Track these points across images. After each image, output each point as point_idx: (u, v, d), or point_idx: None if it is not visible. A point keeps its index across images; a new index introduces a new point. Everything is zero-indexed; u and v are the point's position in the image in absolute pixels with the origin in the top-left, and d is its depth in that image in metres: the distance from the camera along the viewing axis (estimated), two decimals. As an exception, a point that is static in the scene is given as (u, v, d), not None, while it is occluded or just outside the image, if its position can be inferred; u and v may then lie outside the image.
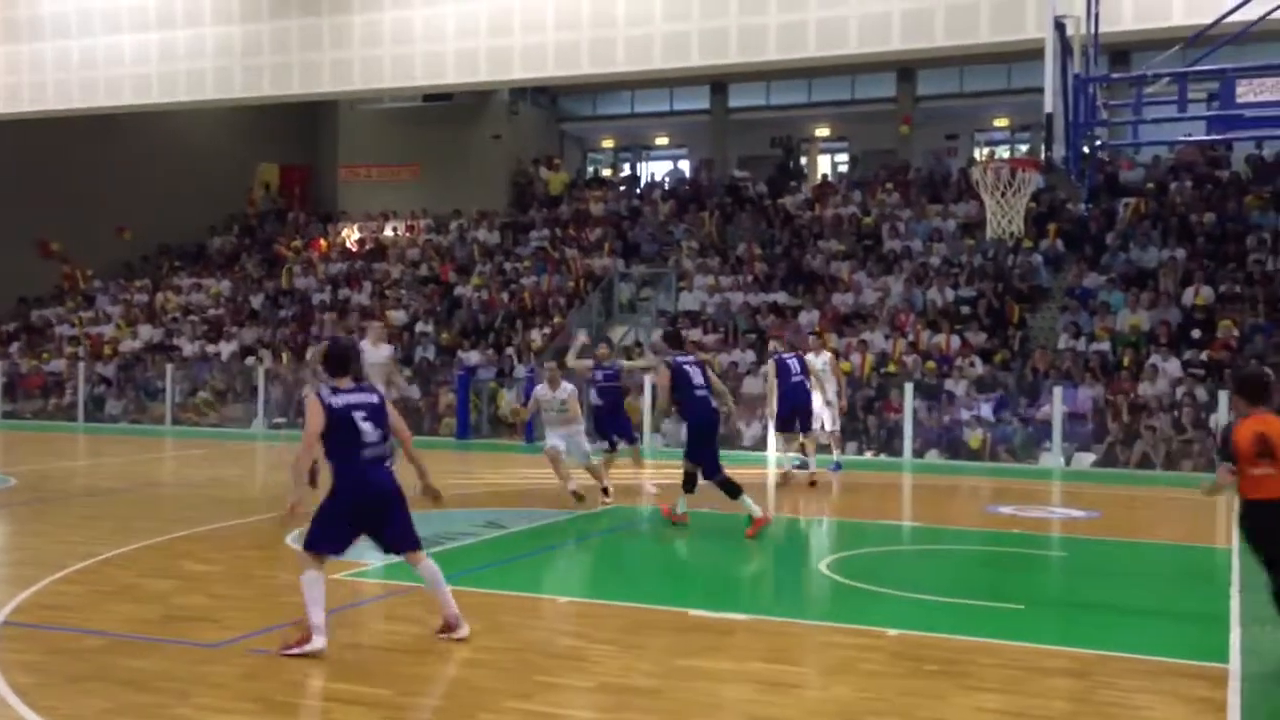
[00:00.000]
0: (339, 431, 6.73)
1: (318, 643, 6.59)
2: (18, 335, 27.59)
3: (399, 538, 6.96)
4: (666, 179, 31.18)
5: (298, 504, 7.04)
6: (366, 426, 6.78)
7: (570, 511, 12.27)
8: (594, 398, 13.71)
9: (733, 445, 19.63)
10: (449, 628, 7.00)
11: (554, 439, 12.68)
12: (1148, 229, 22.12)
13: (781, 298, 22.81)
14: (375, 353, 12.67)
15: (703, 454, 11.06)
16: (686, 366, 11.26)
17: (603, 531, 11.78)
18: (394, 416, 7.06)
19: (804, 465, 15.02)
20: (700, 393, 11.18)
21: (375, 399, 6.98)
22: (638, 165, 33.91)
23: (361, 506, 6.80)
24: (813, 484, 14.63)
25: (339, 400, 6.78)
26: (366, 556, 9.73)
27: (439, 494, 7.27)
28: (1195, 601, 8.63)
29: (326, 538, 6.82)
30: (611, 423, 13.61)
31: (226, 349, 25.23)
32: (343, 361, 6.95)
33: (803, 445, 15.12)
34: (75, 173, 28.26)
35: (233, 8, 20.74)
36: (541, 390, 12.80)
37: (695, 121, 31.86)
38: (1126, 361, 18.70)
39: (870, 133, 29.96)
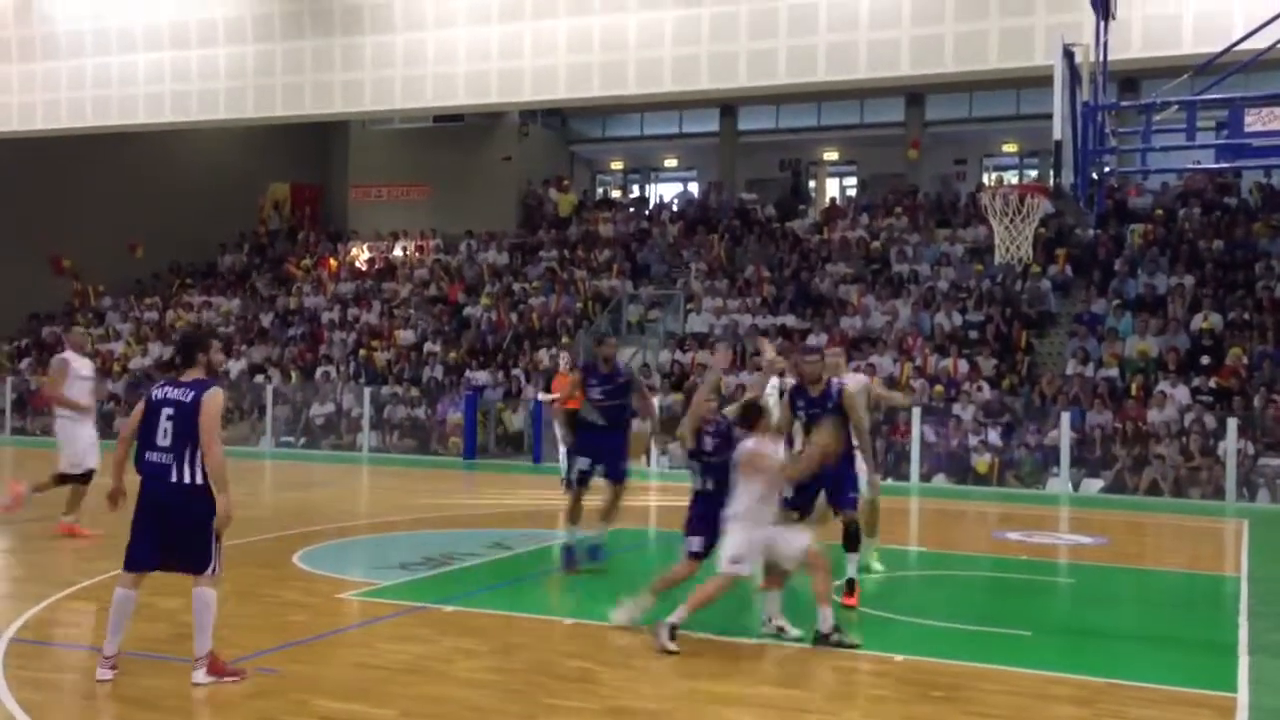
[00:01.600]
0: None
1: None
2: (29, 351, 27.70)
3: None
4: (675, 201, 31.27)
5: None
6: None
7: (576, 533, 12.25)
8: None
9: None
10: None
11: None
12: (1156, 255, 22.13)
13: (790, 320, 22.83)
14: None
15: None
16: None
17: (610, 553, 11.77)
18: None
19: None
20: None
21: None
22: (647, 187, 34.02)
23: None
24: None
25: None
26: (373, 576, 9.77)
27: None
28: (1203, 630, 8.61)
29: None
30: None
31: (235, 367, 25.31)
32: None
33: None
34: (87, 190, 28.44)
35: (246, 28, 20.92)
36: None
37: (704, 144, 31.98)
38: (1135, 388, 18.68)
39: (879, 157, 30.05)
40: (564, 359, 16.84)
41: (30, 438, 24.54)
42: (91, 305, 29.83)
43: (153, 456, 6.49)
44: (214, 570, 6.55)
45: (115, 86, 22.01)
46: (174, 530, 6.51)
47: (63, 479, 11.73)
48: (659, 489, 17.54)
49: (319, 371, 24.58)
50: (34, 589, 8.89)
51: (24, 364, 27.00)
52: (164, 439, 6.44)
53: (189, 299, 29.41)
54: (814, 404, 8.55)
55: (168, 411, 6.46)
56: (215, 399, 6.50)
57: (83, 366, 12.01)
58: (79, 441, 11.80)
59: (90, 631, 7.66)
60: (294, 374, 24.64)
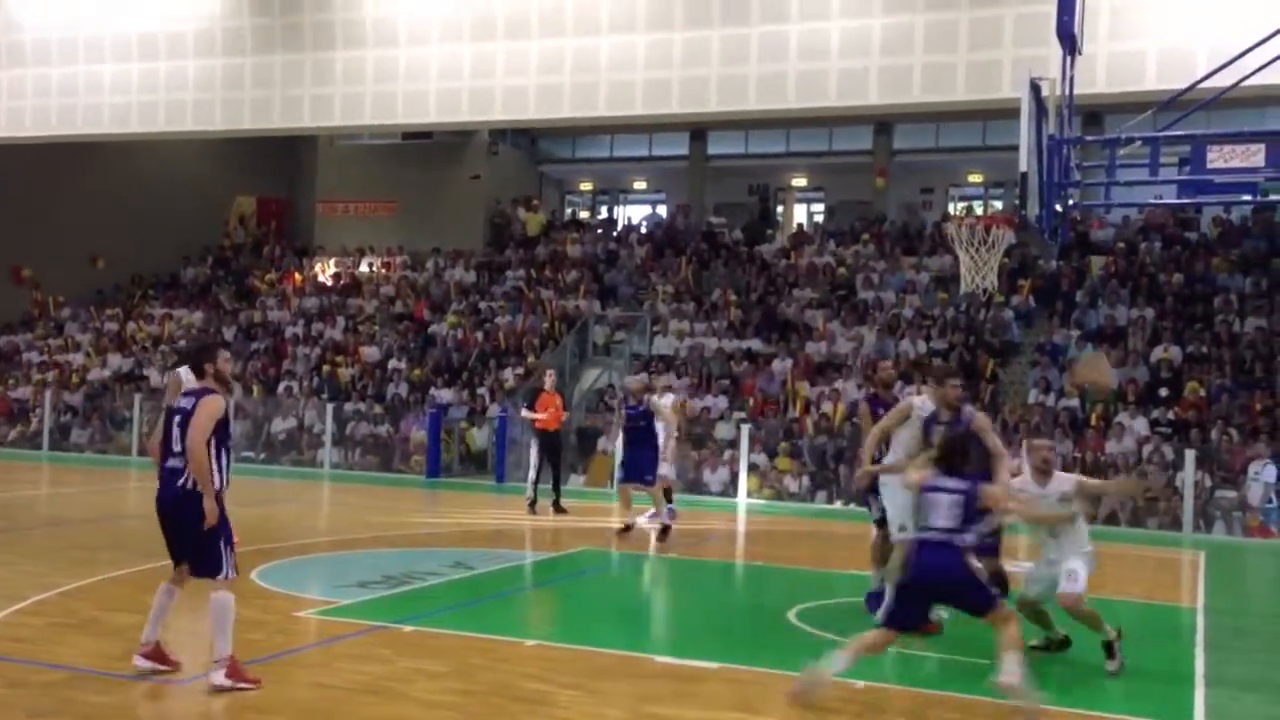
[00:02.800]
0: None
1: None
2: (-15, 361, 27.29)
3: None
4: (644, 223, 31.35)
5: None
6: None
7: (538, 554, 12.21)
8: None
9: (701, 490, 19.65)
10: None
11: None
12: (1117, 287, 22.42)
13: (756, 345, 22.91)
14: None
15: None
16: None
17: (571, 575, 11.72)
18: None
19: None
20: None
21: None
22: (615, 209, 34.09)
23: None
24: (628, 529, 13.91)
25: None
26: (332, 594, 9.67)
27: None
28: (1160, 660, 8.67)
29: None
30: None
31: (196, 380, 25.04)
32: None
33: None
34: (50, 199, 28.11)
35: (215, 41, 20.83)
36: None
37: (673, 167, 32.10)
38: (1095, 418, 18.88)
39: (846, 184, 30.28)
40: (549, 378, 16.83)
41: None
42: (51, 315, 29.45)
43: (169, 463, 6.81)
44: (227, 574, 6.78)
45: (82, 96, 21.84)
46: (185, 535, 6.79)
47: None
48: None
49: (281, 386, 24.38)
50: (-16, 603, 8.72)
51: (-20, 373, 26.57)
52: (176, 446, 6.77)
53: (150, 310, 29.11)
54: (949, 429, 8.55)
55: (178, 419, 6.80)
56: (210, 405, 6.75)
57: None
58: None
59: (39, 646, 7.52)
60: (256, 388, 24.42)
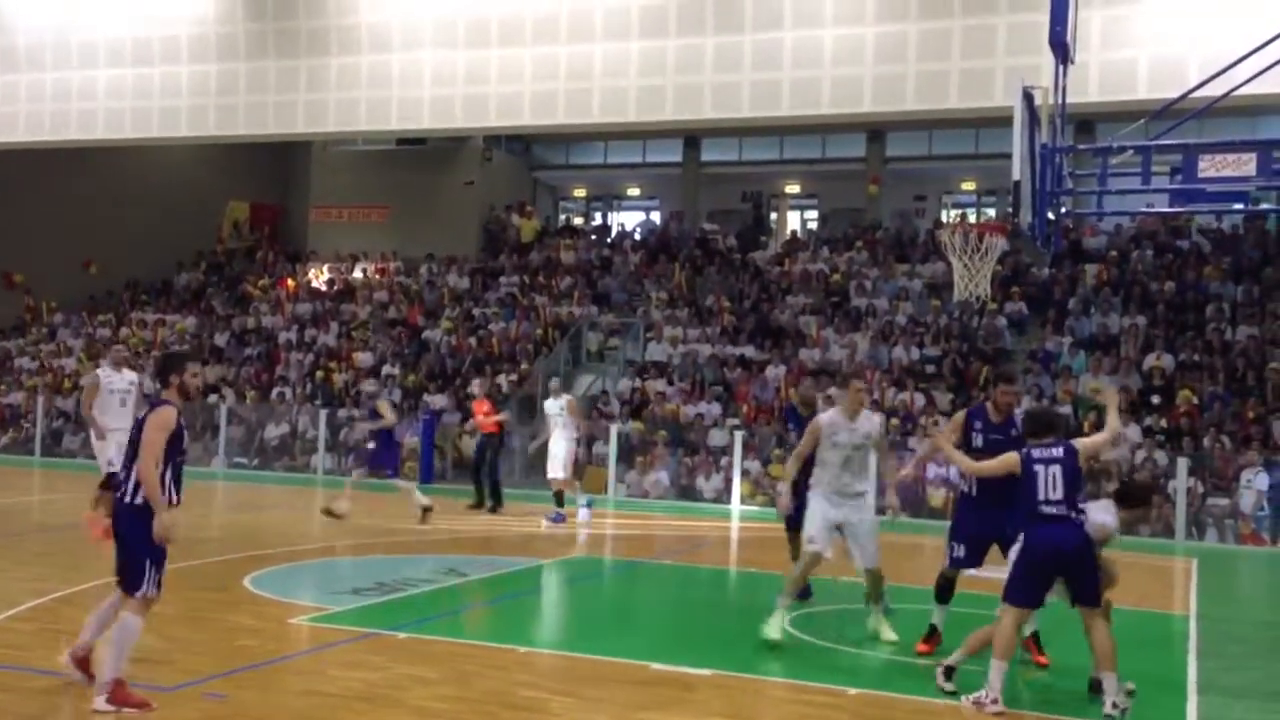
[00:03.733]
0: None
1: None
2: (-24, 366, 27.21)
3: None
4: (637, 229, 31.38)
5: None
6: None
7: (531, 560, 12.20)
8: None
9: (694, 497, 19.64)
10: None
11: None
12: (1109, 295, 22.48)
13: (749, 351, 22.93)
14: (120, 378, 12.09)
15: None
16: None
17: (564, 581, 11.72)
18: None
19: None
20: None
21: None
22: (609, 215, 34.12)
23: None
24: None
25: None
26: (325, 601, 9.65)
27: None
28: (1152, 668, 8.69)
29: None
30: None
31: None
32: None
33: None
34: (43, 204, 28.06)
35: (210, 47, 20.80)
36: None
37: (667, 174, 32.14)
38: (1087, 425, 18.90)
39: (839, 191, 30.34)
40: (477, 385, 17.98)
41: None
42: (44, 321, 29.38)
43: (120, 475, 6.71)
44: (144, 592, 6.50)
45: (75, 101, 21.79)
46: (119, 547, 6.58)
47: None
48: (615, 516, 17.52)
49: (274, 392, 24.34)
50: (-24, 609, 8.70)
51: (-28, 378, 26.48)
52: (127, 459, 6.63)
53: (143, 316, 29.05)
54: (995, 430, 8.46)
55: (135, 431, 6.63)
56: (158, 417, 6.50)
57: (114, 380, 11.97)
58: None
59: (33, 652, 7.50)
60: (249, 394, 24.38)
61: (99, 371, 12.26)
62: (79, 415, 24.67)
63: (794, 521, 9.62)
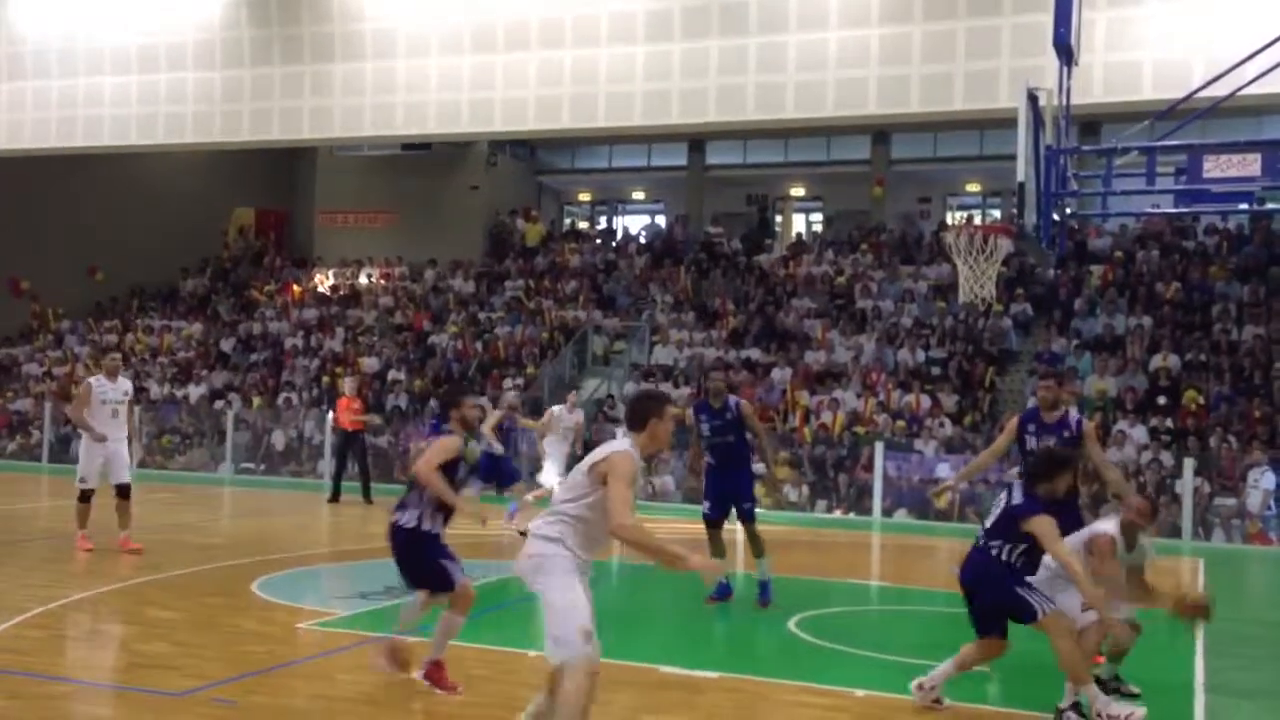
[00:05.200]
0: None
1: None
2: (-16, 373, 27.30)
3: None
4: (642, 233, 31.40)
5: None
6: None
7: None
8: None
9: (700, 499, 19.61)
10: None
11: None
12: (1115, 296, 22.45)
13: (755, 354, 22.94)
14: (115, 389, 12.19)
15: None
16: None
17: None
18: None
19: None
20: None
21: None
22: (614, 219, 34.15)
23: None
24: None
25: None
26: (333, 605, 9.67)
27: None
28: (1159, 669, 8.67)
29: None
30: None
31: (195, 392, 25.07)
32: None
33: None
34: (48, 212, 28.15)
35: (215, 53, 20.85)
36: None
37: (672, 177, 32.17)
38: (1093, 428, 18.88)
39: (844, 193, 30.34)
40: (349, 383, 18.92)
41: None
42: (50, 328, 29.46)
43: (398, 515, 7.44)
44: (460, 582, 7.30)
45: (81, 108, 21.85)
46: (409, 568, 7.48)
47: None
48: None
49: (281, 397, 24.38)
50: (-15, 615, 8.73)
51: (-21, 385, 26.56)
52: None
53: (149, 323, 29.12)
54: (1047, 430, 8.51)
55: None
56: (442, 441, 7.25)
57: (108, 390, 12.03)
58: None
59: (42, 659, 7.52)
60: (256, 400, 24.42)
61: (92, 380, 12.30)
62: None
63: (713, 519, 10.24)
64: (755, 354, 22.94)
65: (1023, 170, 8.69)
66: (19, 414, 25.40)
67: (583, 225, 33.57)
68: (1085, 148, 12.81)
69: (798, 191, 31.85)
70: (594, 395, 23.54)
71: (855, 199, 29.81)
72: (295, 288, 30.18)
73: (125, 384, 12.33)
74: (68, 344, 28.49)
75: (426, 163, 30.44)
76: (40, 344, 28.68)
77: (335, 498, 18.18)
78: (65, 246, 28.56)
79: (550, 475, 15.75)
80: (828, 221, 31.17)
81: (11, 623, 8.48)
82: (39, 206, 27.97)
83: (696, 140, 30.38)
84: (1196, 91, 10.33)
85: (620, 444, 5.43)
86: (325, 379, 24.73)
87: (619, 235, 31.61)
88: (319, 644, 8.39)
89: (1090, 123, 23.02)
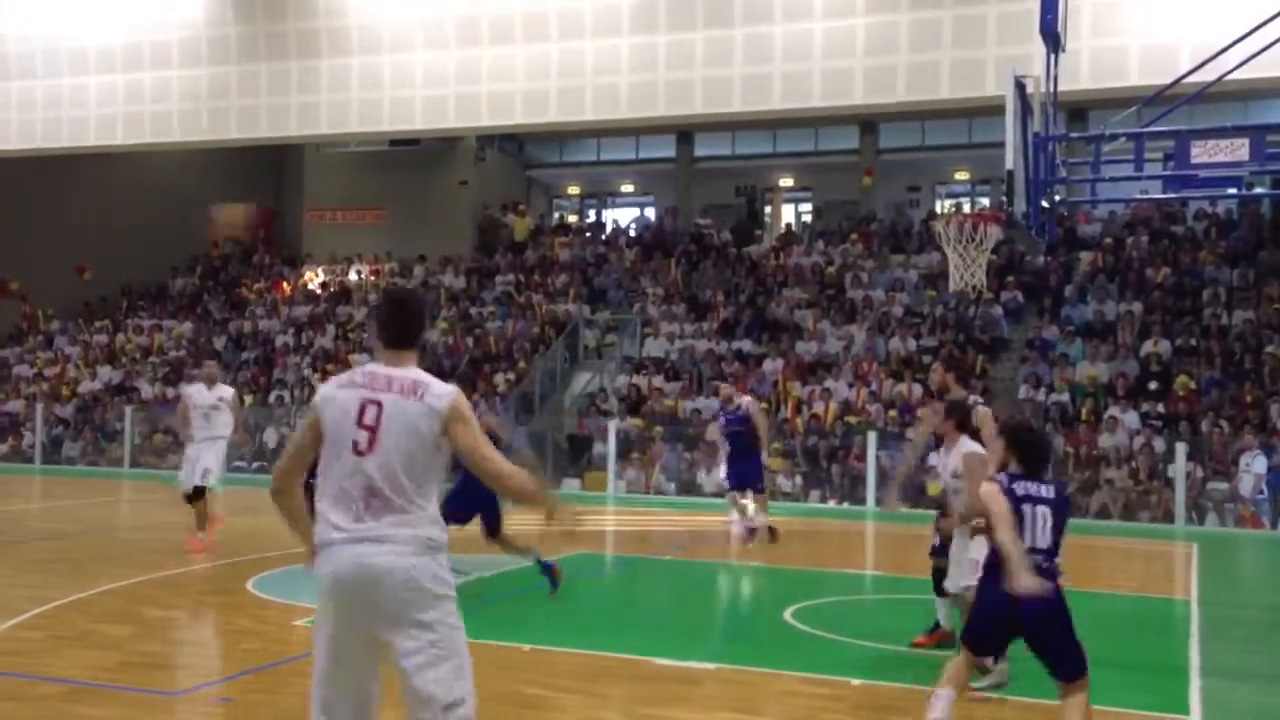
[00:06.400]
0: None
1: None
2: (-27, 375, 27.20)
3: None
4: (632, 226, 31.39)
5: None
6: None
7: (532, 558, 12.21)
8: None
9: (694, 492, 19.68)
10: None
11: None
12: (1105, 282, 22.51)
13: (746, 345, 22.95)
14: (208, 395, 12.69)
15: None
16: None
17: (567, 578, 11.73)
18: None
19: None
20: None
21: None
22: (603, 212, 34.12)
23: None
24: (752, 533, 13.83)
25: None
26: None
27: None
28: (1154, 652, 8.72)
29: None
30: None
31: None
32: None
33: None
34: (35, 212, 28.04)
35: (200, 51, 20.77)
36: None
37: (661, 170, 32.15)
38: (1085, 412, 18.96)
39: (833, 183, 30.37)
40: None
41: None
42: (40, 328, 29.35)
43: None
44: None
45: (66, 108, 21.75)
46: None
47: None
48: (614, 513, 17.55)
49: (273, 395, 24.34)
50: (-20, 618, 8.71)
51: (-31, 388, 26.47)
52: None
53: (139, 322, 29.04)
54: None
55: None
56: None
57: (201, 396, 12.69)
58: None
59: (36, 660, 7.51)
60: (248, 398, 24.35)
61: (190, 389, 13.07)
62: (77, 422, 24.71)
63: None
64: (746, 345, 22.96)
65: (1011, 158, 8.71)
66: (10, 415, 25.32)
67: (572, 219, 33.55)
68: (1073, 135, 12.85)
69: (786, 182, 31.86)
70: (586, 389, 23.54)
71: (844, 189, 29.83)
72: (285, 285, 30.11)
73: (221, 390, 12.89)
74: (58, 344, 28.40)
75: (414, 158, 30.38)
76: (30, 345, 28.59)
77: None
78: (53, 247, 28.45)
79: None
80: (817, 212, 31.19)
81: (8, 624, 8.46)
82: (26, 207, 27.85)
83: (684, 132, 30.36)
84: (1184, 77, 10.35)
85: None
86: (316, 376, 24.68)
87: (608, 228, 31.59)
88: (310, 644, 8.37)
89: (1078, 109, 23.08)
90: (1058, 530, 5.83)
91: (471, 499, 9.77)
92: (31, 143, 22.28)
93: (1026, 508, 5.74)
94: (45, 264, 28.56)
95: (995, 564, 5.70)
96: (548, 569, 10.21)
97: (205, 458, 12.34)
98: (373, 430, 4.02)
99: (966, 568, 7.23)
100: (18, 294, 29.15)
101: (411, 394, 4.06)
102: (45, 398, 25.30)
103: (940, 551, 8.09)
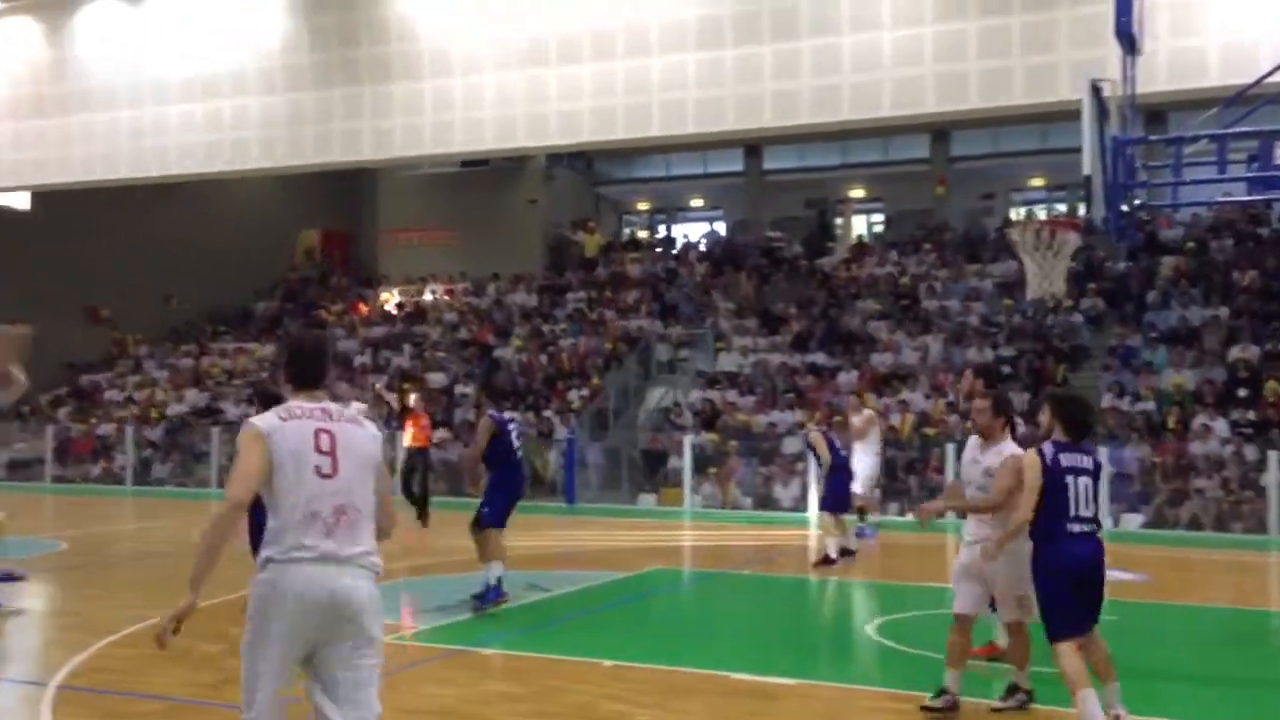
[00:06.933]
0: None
1: None
2: (67, 400, 28.04)
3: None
4: (702, 240, 31.41)
5: None
6: None
7: (611, 574, 12.25)
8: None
9: (771, 506, 19.58)
10: None
11: None
12: (1188, 287, 22.00)
13: (820, 358, 22.82)
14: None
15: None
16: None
17: (644, 594, 11.75)
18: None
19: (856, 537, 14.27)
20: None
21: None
22: (673, 227, 34.20)
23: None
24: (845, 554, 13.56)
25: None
26: (411, 619, 9.78)
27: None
28: (1251, 667, 8.49)
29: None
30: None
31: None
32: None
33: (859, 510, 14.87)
34: (124, 241, 28.89)
35: (276, 78, 21.23)
36: None
37: (729, 184, 32.15)
38: (1172, 421, 18.52)
39: (904, 193, 30.11)
40: (414, 398, 18.30)
41: (69, 485, 24.78)
42: (129, 353, 30.20)
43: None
44: None
45: (149, 138, 22.35)
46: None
47: None
48: (692, 527, 17.53)
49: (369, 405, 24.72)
50: (79, 637, 8.96)
51: (62, 412, 27.29)
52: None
53: (223, 345, 29.73)
54: None
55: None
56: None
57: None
58: None
59: (134, 678, 7.71)
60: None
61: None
62: (166, 445, 25.32)
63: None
64: (820, 358, 22.82)
65: (1089, 163, 8.59)
66: (102, 438, 26.04)
67: (642, 235, 33.66)
68: (1153, 137, 12.59)
69: (857, 193, 31.66)
70: (660, 404, 23.56)
71: (916, 198, 29.55)
72: (362, 306, 30.62)
73: (354, 408, 13.23)
74: (146, 369, 29.18)
75: (485, 178, 30.74)
76: (120, 370, 29.41)
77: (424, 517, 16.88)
78: (141, 274, 29.28)
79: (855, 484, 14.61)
80: (888, 222, 30.94)
81: (104, 642, 8.70)
82: (114, 236, 28.70)
83: (753, 145, 30.33)
84: (1266, 76, 10.11)
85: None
86: (393, 396, 25.04)
87: (679, 243, 31.65)
88: (400, 657, 8.49)
89: (1157, 111, 22.59)
90: (1098, 498, 6.42)
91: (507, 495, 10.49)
92: (117, 173, 22.93)
93: (1069, 479, 6.21)
94: (133, 291, 29.39)
95: (1040, 539, 6.25)
96: (496, 593, 10.07)
97: None
98: (332, 455, 4.27)
99: (1013, 604, 6.92)
100: (108, 321, 30.03)
101: (354, 423, 4.40)
102: (135, 421, 25.98)
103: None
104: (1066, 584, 6.19)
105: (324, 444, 4.26)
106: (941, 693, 6.85)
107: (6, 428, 26.82)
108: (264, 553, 4.31)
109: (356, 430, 4.38)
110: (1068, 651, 6.17)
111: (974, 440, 7.26)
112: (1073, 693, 6.10)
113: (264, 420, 4.31)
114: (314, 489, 4.22)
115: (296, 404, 4.37)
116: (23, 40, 22.86)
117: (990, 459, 6.96)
